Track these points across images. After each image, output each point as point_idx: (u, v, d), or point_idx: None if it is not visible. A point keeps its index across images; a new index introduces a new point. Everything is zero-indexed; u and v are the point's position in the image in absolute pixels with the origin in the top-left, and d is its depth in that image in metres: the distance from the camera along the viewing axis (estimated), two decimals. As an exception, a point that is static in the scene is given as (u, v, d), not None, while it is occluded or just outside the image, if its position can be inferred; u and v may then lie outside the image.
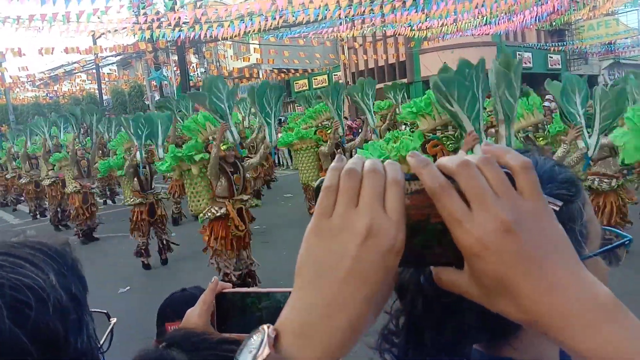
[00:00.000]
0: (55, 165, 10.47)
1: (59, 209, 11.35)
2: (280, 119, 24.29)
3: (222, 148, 5.72)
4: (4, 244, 0.63)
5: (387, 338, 0.79)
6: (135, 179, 7.71)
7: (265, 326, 0.47)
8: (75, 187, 9.47)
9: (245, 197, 6.00)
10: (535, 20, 19.31)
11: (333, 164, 0.49)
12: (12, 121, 32.47)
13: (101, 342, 1.01)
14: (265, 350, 0.45)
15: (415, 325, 0.74)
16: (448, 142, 4.21)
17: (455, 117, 4.27)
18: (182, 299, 1.79)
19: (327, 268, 0.46)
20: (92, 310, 1.12)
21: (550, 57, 29.15)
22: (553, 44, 28.35)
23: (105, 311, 1.13)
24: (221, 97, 5.75)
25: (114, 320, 1.12)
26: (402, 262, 0.47)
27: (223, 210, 5.80)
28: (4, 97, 33.86)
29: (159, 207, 7.81)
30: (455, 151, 3.86)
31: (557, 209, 0.71)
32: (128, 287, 6.81)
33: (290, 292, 0.88)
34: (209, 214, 5.84)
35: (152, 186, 7.92)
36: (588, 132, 5.24)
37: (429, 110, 4.54)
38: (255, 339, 0.47)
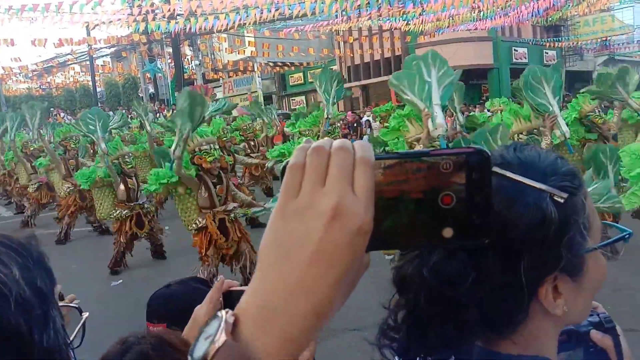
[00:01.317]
0: (39, 169, 10.09)
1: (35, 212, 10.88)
2: (288, 114, 24.16)
3: (207, 160, 5.59)
4: None
5: (386, 333, 0.77)
6: (123, 187, 7.22)
7: (223, 311, 0.44)
8: (69, 187, 9.06)
9: (230, 206, 5.80)
10: (532, 15, 19.32)
11: (300, 145, 0.48)
12: (5, 112, 32.26)
13: (71, 338, 1.00)
14: (222, 337, 0.42)
15: (418, 319, 0.73)
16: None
17: (412, 103, 4.68)
18: (162, 298, 1.77)
19: (291, 250, 0.44)
20: (64, 304, 1.09)
21: (545, 52, 29.20)
22: (549, 39, 28.38)
23: (76, 305, 1.10)
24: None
25: (85, 314, 1.09)
26: (374, 245, 0.46)
27: (204, 222, 5.70)
28: (-4, 88, 33.64)
29: (147, 217, 7.37)
30: None
31: (562, 201, 0.69)
32: (120, 281, 6.77)
33: None
34: (194, 225, 5.77)
35: (138, 196, 7.42)
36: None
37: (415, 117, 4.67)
38: (212, 325, 0.44)
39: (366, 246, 0.45)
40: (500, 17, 20.23)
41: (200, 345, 0.43)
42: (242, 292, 0.96)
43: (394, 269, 0.78)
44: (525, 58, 28.10)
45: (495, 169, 0.69)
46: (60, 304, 1.07)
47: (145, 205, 7.47)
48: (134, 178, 7.43)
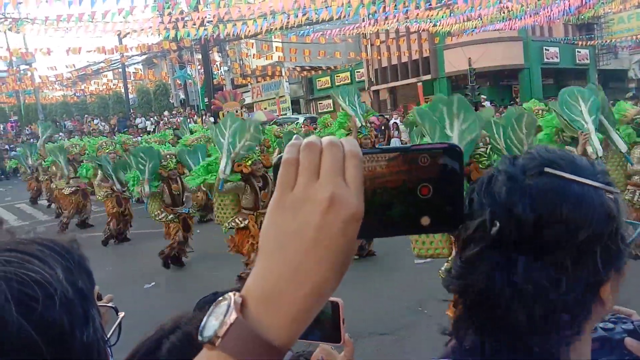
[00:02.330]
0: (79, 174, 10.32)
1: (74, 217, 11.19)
2: (315, 118, 24.22)
3: (247, 164, 5.76)
4: (12, 241, 0.65)
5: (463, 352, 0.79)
6: (168, 192, 7.41)
7: (231, 293, 0.48)
8: (107, 191, 9.28)
9: None
10: (563, 14, 18.90)
11: (291, 141, 0.51)
12: (41, 120, 33.25)
13: (109, 335, 1.03)
14: (233, 315, 0.46)
15: (513, 331, 0.72)
16: (481, 159, 4.20)
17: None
18: (210, 304, 1.78)
19: (292, 238, 0.47)
20: (102, 304, 1.14)
21: (578, 51, 28.52)
22: (581, 37, 27.70)
23: (113, 305, 1.14)
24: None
25: (121, 314, 1.14)
26: (363, 233, 0.49)
27: (246, 222, 5.82)
28: (33, 96, 34.67)
29: (192, 222, 7.69)
30: (487, 167, 3.86)
31: (613, 197, 0.71)
32: (153, 283, 6.90)
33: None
34: (233, 224, 5.87)
35: (184, 201, 7.64)
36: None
37: None
38: (221, 307, 0.48)
39: (357, 235, 0.49)
40: (530, 16, 19.85)
41: (210, 324, 0.47)
42: None
43: (455, 279, 0.76)
44: (557, 57, 27.50)
45: (548, 169, 0.72)
46: (99, 303, 1.12)
47: (190, 212, 7.72)
48: (178, 182, 7.48)
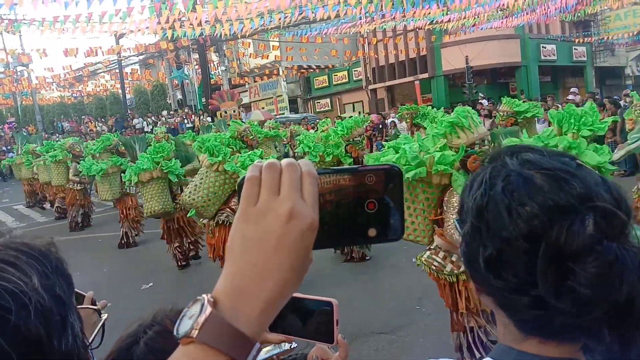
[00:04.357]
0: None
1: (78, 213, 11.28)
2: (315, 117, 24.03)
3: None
4: None
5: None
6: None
7: (203, 295, 0.55)
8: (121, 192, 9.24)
9: None
10: (560, 11, 18.91)
11: (253, 163, 0.59)
12: (39, 121, 33.19)
13: (91, 339, 1.03)
14: (208, 310, 0.52)
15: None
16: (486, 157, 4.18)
17: None
18: None
19: (256, 244, 0.55)
20: (84, 307, 1.13)
21: (575, 49, 28.54)
22: (578, 35, 27.73)
23: (96, 307, 1.14)
24: None
25: (104, 316, 1.13)
26: (318, 243, 0.56)
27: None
28: (30, 97, 34.60)
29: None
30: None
31: None
32: (151, 284, 6.89)
33: (318, 300, 0.94)
34: (223, 217, 5.69)
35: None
36: None
37: (467, 124, 4.48)
38: (195, 307, 0.54)
39: (313, 242, 0.56)
40: (527, 13, 19.85)
41: (184, 322, 0.53)
42: None
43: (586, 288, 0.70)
44: (554, 55, 27.52)
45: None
46: (82, 306, 1.12)
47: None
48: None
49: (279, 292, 0.55)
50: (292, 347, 1.16)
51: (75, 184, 10.93)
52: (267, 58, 30.53)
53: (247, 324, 0.53)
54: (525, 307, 0.72)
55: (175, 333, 0.54)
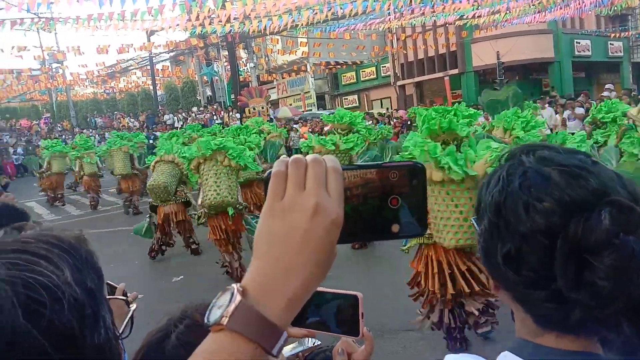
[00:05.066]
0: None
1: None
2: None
3: None
4: (19, 240, 0.63)
5: None
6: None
7: (233, 285, 0.56)
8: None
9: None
10: (595, 5, 18.38)
11: (279, 159, 0.60)
12: (73, 117, 34.06)
13: (120, 330, 1.05)
14: (238, 298, 0.54)
15: None
16: None
17: None
18: None
19: (283, 239, 0.56)
20: (113, 297, 1.16)
21: (610, 44, 27.73)
22: (614, 29, 26.91)
23: (124, 298, 1.16)
24: None
25: (133, 307, 1.15)
26: (342, 238, 0.57)
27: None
28: (65, 93, 35.52)
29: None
30: None
31: None
32: (181, 277, 7.02)
33: (342, 294, 0.95)
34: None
35: None
36: None
37: None
38: (224, 297, 0.55)
39: (338, 237, 0.57)
40: (560, 8, 19.36)
41: (214, 311, 0.55)
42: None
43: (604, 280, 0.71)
44: (589, 50, 26.80)
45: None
46: (111, 297, 1.15)
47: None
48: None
49: (304, 285, 0.56)
50: (315, 344, 1.16)
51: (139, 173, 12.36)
52: (295, 54, 30.61)
53: (274, 314, 0.55)
54: (543, 301, 0.74)
55: (205, 321, 0.55)
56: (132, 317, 1.14)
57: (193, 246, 7.96)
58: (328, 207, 0.56)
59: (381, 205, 0.61)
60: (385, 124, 19.00)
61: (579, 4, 18.08)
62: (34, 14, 17.20)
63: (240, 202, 6.50)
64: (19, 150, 26.67)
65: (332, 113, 9.43)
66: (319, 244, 0.55)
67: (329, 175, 0.58)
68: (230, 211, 6.27)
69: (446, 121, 3.98)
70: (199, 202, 6.47)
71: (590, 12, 21.41)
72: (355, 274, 6.20)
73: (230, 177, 6.28)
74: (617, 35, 26.36)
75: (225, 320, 0.54)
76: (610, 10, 21.25)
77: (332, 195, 0.57)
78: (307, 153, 7.51)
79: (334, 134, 8.14)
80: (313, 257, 0.56)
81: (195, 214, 6.89)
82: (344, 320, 0.95)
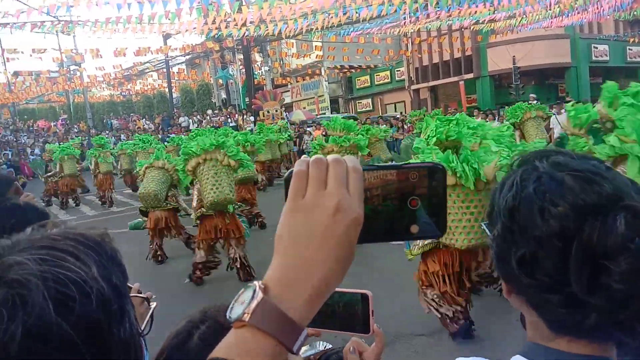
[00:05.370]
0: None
1: None
2: (355, 117, 24.27)
3: None
4: (46, 237, 0.64)
5: None
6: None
7: (254, 282, 0.57)
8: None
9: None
10: (614, 10, 18.17)
11: (300, 158, 0.61)
12: (90, 118, 34.48)
13: (142, 327, 1.05)
14: (260, 295, 0.55)
15: None
16: None
17: None
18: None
19: (304, 237, 0.57)
20: (134, 295, 1.17)
21: (629, 49, 27.40)
22: (633, 34, 26.58)
23: (144, 295, 1.17)
24: None
25: (153, 305, 1.16)
26: (362, 238, 0.58)
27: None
28: (82, 95, 35.99)
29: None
30: None
31: None
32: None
33: (352, 293, 0.96)
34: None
35: None
36: None
37: None
38: (246, 293, 0.56)
39: (358, 236, 0.58)
40: (578, 12, 19.18)
41: (236, 308, 0.56)
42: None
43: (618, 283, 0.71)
44: (607, 55, 26.50)
45: None
46: (133, 294, 1.16)
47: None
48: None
49: (324, 283, 0.57)
50: (326, 347, 1.17)
51: None
52: (310, 58, 30.68)
53: (295, 311, 0.55)
54: (558, 305, 0.74)
55: (227, 317, 0.57)
56: (152, 315, 1.15)
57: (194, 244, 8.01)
58: (349, 206, 0.56)
59: (401, 206, 0.61)
60: (399, 128, 18.99)
61: (598, 8, 17.89)
62: (54, 16, 17.47)
63: (236, 202, 6.72)
64: (36, 151, 27.06)
65: (345, 117, 10.24)
66: (339, 242, 0.56)
67: (349, 175, 0.58)
68: (231, 208, 6.44)
69: (455, 132, 4.22)
70: (193, 204, 6.66)
71: (608, 17, 21.17)
72: (367, 277, 6.18)
73: (229, 176, 6.42)
74: (636, 40, 26.03)
75: (247, 317, 0.55)
76: (630, 15, 21.00)
77: (353, 195, 0.58)
78: (316, 152, 7.67)
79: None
80: (333, 254, 0.56)
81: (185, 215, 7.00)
82: (354, 319, 0.96)
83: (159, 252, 8.03)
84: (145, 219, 8.07)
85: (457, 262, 4.21)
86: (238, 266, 6.56)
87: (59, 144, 17.97)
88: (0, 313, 0.54)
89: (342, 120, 9.57)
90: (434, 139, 4.26)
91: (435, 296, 4.37)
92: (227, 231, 6.47)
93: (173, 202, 7.90)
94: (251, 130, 15.41)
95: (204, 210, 6.40)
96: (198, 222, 6.59)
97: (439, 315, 4.40)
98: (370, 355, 1.05)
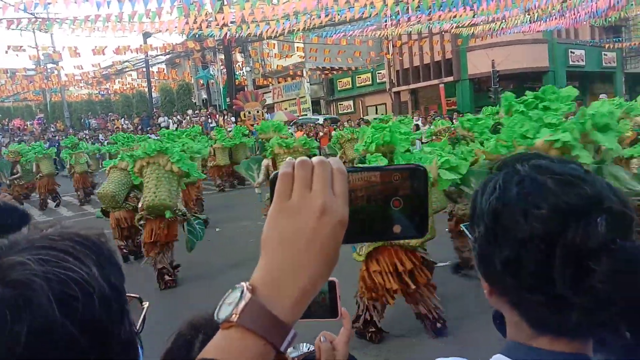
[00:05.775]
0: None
1: None
2: (336, 119, 24.37)
3: None
4: (44, 238, 0.64)
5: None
6: None
7: (242, 283, 0.57)
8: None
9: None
10: (590, 16, 18.56)
11: (286, 160, 0.62)
12: (67, 117, 33.91)
13: (137, 326, 1.05)
14: (247, 296, 0.56)
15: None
16: None
17: None
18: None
19: (291, 238, 0.57)
20: (128, 295, 1.17)
21: (604, 54, 27.99)
22: (608, 40, 27.18)
23: (137, 295, 1.17)
24: None
25: (146, 304, 1.16)
26: (346, 238, 0.59)
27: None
28: (59, 94, 35.38)
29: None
30: None
31: None
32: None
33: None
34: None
35: None
36: None
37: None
38: (234, 294, 0.57)
39: (343, 237, 0.59)
40: (555, 18, 19.54)
41: (224, 309, 0.56)
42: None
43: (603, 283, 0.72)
44: (583, 60, 27.03)
45: None
46: (128, 294, 1.15)
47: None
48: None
49: (311, 284, 0.58)
50: (309, 349, 1.19)
51: None
52: (291, 59, 30.63)
53: (282, 311, 0.56)
54: (541, 305, 0.75)
55: (215, 318, 0.57)
56: (145, 315, 1.16)
57: (125, 250, 8.01)
58: (334, 208, 0.57)
59: (384, 207, 0.62)
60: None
61: (574, 14, 18.26)
62: (31, 13, 17.15)
63: (179, 209, 6.69)
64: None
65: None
66: (325, 243, 0.57)
67: (334, 176, 0.59)
68: (168, 214, 6.49)
69: (389, 135, 4.76)
70: (139, 204, 6.74)
71: (585, 23, 21.61)
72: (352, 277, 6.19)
73: (171, 182, 6.53)
74: (611, 45, 26.63)
75: (235, 317, 0.55)
76: (605, 21, 21.48)
77: (338, 196, 0.58)
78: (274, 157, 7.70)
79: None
80: (320, 255, 0.57)
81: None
82: (322, 306, 0.99)
83: (125, 250, 8.00)
84: (107, 218, 8.04)
85: (406, 260, 4.33)
86: (156, 273, 6.64)
87: (19, 143, 17.90)
88: (4, 314, 0.54)
89: (272, 122, 10.67)
90: (373, 145, 4.73)
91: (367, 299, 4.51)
92: (160, 236, 6.59)
93: (134, 202, 7.83)
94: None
95: (144, 212, 6.56)
96: (141, 223, 6.70)
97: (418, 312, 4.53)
98: (341, 339, 1.10)
